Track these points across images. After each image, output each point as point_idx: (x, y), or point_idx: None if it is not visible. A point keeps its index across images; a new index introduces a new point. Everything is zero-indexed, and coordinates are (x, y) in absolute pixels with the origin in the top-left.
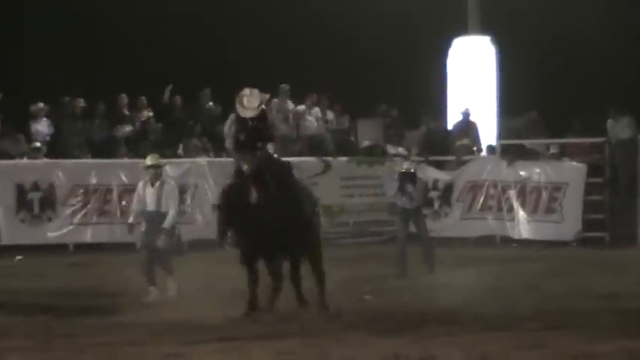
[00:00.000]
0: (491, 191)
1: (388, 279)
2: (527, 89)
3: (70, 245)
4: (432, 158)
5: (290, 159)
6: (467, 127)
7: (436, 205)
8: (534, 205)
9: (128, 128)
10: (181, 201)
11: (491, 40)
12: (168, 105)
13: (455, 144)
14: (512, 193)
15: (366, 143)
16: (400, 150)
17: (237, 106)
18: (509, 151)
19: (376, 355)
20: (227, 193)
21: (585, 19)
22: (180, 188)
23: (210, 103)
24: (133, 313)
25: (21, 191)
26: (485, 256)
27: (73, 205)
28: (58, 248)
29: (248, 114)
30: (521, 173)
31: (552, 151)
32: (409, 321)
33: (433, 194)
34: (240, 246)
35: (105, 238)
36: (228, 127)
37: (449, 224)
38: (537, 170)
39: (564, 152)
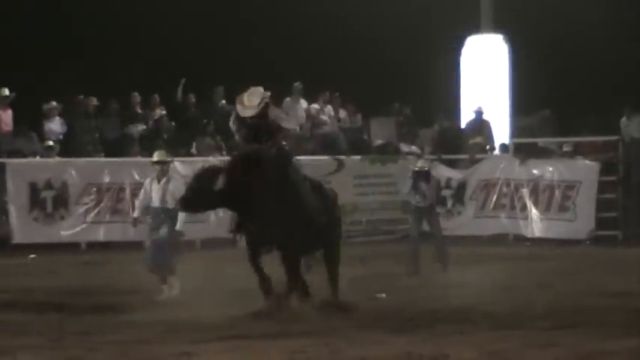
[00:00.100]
0: (504, 190)
1: (401, 277)
2: (540, 87)
3: (82, 244)
4: (445, 157)
5: (303, 157)
6: (480, 125)
7: (449, 203)
8: (547, 204)
9: (141, 127)
10: None
11: (504, 38)
12: (182, 103)
13: (468, 142)
14: (525, 192)
15: (379, 142)
16: (413, 148)
17: (237, 105)
18: (522, 149)
19: (389, 353)
20: (198, 175)
21: (599, 17)
22: None
23: (223, 102)
24: (145, 312)
25: (34, 190)
26: (498, 255)
27: (86, 204)
28: (71, 247)
29: (247, 113)
30: (534, 172)
31: (565, 149)
32: (422, 319)
33: (446, 193)
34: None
35: (117, 237)
36: (232, 124)
37: (462, 223)
38: (550, 168)
39: (577, 150)
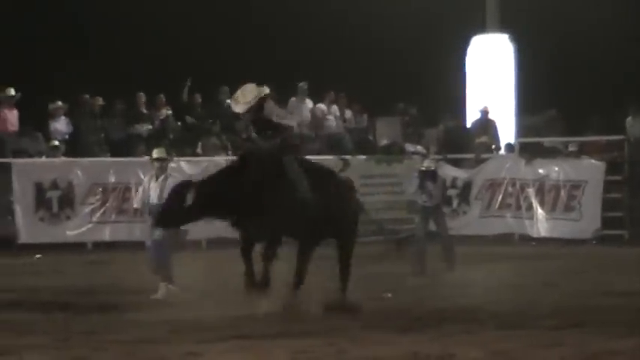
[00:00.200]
0: (510, 189)
1: (407, 277)
2: (545, 87)
3: (88, 243)
4: (450, 156)
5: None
6: (485, 125)
7: (455, 203)
8: (553, 203)
9: (147, 127)
10: None
11: (510, 37)
12: (188, 104)
13: (473, 142)
14: (530, 191)
15: (384, 142)
16: (419, 148)
17: (232, 101)
18: (528, 149)
19: (395, 353)
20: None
21: (603, 16)
22: None
23: (228, 101)
24: (151, 311)
25: (40, 190)
26: (503, 254)
27: (92, 204)
28: (77, 246)
29: (238, 109)
30: (540, 171)
31: (571, 148)
32: (428, 319)
33: (452, 192)
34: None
35: (123, 237)
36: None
37: (467, 222)
38: (556, 168)
39: (583, 150)
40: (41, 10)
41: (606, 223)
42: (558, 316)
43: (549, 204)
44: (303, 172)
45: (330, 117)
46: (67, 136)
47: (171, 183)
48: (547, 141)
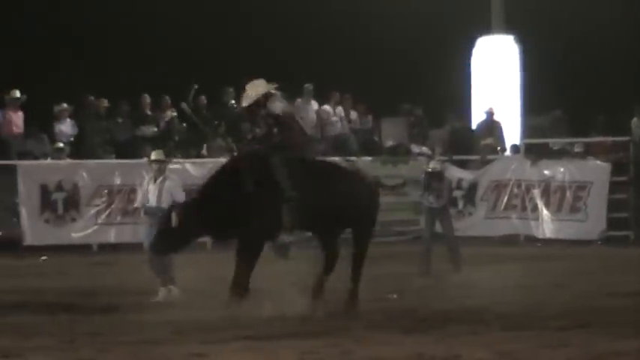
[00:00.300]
0: (516, 190)
1: (413, 278)
2: (551, 88)
3: (93, 245)
4: (456, 157)
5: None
6: (491, 126)
7: (460, 204)
8: (558, 204)
9: (152, 128)
10: None
11: (515, 39)
12: (193, 106)
13: (479, 143)
14: (536, 193)
15: (390, 143)
16: (424, 149)
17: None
18: (533, 150)
19: (400, 354)
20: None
21: (609, 17)
22: None
23: (232, 102)
24: (156, 313)
25: (45, 192)
26: (509, 255)
27: (97, 206)
28: (82, 248)
29: (244, 102)
30: (545, 172)
31: (576, 149)
32: (433, 320)
33: (457, 193)
34: None
35: (129, 238)
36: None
37: (473, 223)
38: (561, 169)
39: (588, 151)
40: (46, 11)
41: (612, 224)
42: (564, 317)
43: (555, 205)
44: (300, 170)
45: (336, 118)
46: (72, 138)
47: (169, 185)
48: (552, 142)
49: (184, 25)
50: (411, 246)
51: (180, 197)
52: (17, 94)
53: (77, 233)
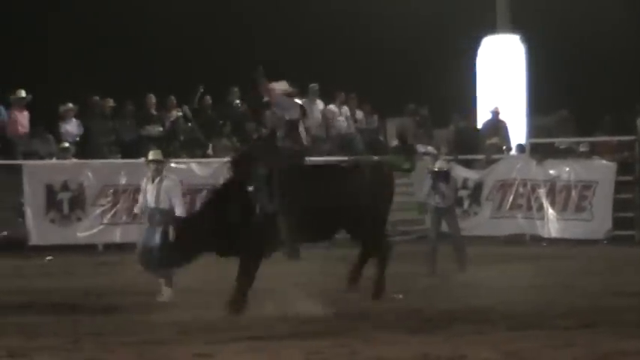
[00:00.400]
0: (521, 190)
1: (418, 278)
2: (556, 87)
3: (99, 245)
4: (461, 157)
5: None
6: (496, 125)
7: (466, 204)
8: (564, 204)
9: (158, 128)
10: None
11: (521, 38)
12: (199, 107)
13: (484, 143)
14: (541, 192)
15: (395, 142)
16: (430, 149)
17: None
18: (539, 149)
19: (406, 354)
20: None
21: (614, 17)
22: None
23: (237, 101)
24: (161, 313)
25: (50, 192)
26: (515, 255)
27: (103, 205)
28: (88, 248)
29: (272, 90)
30: (551, 172)
31: (582, 149)
32: (439, 319)
33: (463, 193)
34: None
35: (134, 238)
36: None
37: (478, 223)
38: (567, 169)
39: (594, 150)
40: (51, 11)
41: (617, 223)
42: (570, 317)
43: (560, 204)
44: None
45: (341, 118)
46: (77, 138)
47: (167, 185)
48: (558, 141)
49: (190, 25)
50: (416, 246)
51: (177, 197)
52: (23, 93)
53: (83, 233)
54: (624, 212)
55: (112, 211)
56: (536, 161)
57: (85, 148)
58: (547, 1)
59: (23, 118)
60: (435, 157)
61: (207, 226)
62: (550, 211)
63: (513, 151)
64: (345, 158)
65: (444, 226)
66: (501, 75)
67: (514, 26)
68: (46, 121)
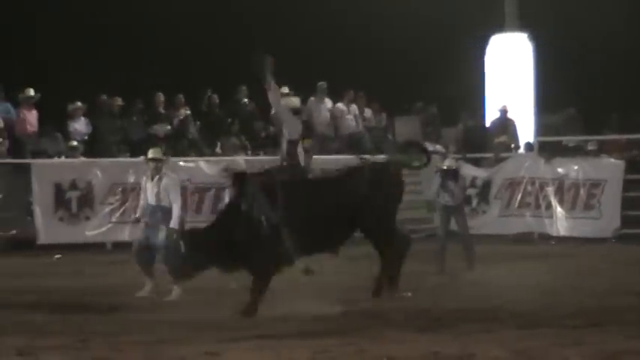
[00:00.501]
0: (529, 188)
1: (427, 276)
2: (564, 86)
3: (108, 244)
4: (469, 156)
5: (328, 157)
6: (505, 124)
7: (474, 202)
8: (572, 202)
9: (166, 127)
10: None
11: (529, 36)
12: (207, 106)
13: (493, 141)
14: (550, 190)
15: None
16: (438, 147)
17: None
18: (547, 148)
19: (414, 352)
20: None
21: (623, 15)
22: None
23: (245, 100)
24: (169, 312)
25: (59, 190)
26: (523, 253)
27: (111, 204)
28: (97, 247)
29: (287, 106)
30: (559, 170)
31: (590, 147)
32: (448, 318)
33: (471, 191)
34: None
35: None
36: None
37: (487, 221)
38: (575, 167)
39: (602, 149)
40: (59, 10)
41: (626, 221)
42: (578, 316)
43: (569, 203)
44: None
45: (350, 116)
46: (86, 137)
47: (166, 183)
48: (566, 140)
49: (198, 24)
50: (424, 244)
51: (176, 195)
52: (31, 92)
53: (91, 232)
54: (633, 210)
55: (121, 210)
56: (544, 159)
57: (93, 147)
58: None
59: (32, 117)
60: (444, 156)
61: (218, 239)
62: (558, 210)
63: (521, 150)
64: (352, 157)
65: (453, 225)
66: (509, 73)
67: (522, 24)
68: (54, 120)
